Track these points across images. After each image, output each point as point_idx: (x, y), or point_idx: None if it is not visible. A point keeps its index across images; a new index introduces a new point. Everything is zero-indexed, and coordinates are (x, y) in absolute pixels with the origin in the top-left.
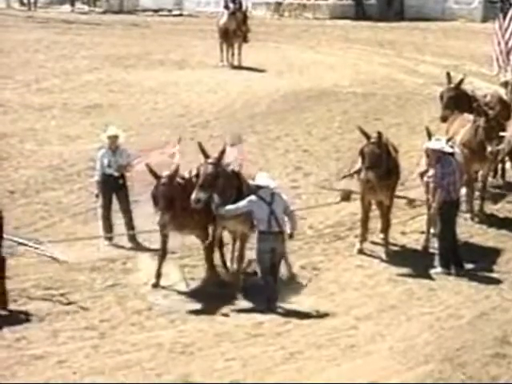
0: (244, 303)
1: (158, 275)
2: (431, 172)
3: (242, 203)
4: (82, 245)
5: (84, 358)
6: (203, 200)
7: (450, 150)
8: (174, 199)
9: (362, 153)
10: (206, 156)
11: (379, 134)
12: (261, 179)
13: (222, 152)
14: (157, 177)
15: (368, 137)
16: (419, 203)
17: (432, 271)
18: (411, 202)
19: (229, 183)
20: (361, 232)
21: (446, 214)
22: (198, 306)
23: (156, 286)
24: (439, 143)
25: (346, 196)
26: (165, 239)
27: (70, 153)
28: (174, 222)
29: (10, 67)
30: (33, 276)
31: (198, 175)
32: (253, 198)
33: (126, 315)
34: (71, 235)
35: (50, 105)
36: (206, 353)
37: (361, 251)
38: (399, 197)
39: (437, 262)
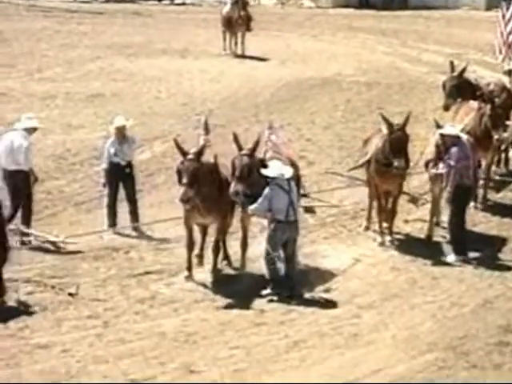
0: (249, 292)
1: (189, 267)
2: (446, 157)
3: (264, 196)
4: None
5: (88, 346)
6: (241, 192)
7: (465, 137)
8: (199, 176)
9: (390, 141)
10: (240, 148)
11: (406, 118)
12: (274, 168)
13: (257, 143)
14: (183, 153)
15: (391, 124)
16: (423, 201)
17: (448, 259)
18: (415, 200)
19: (260, 174)
20: (367, 215)
21: (458, 200)
22: (201, 294)
23: (189, 277)
24: (455, 129)
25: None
26: (190, 230)
27: (73, 142)
28: (199, 205)
29: (13, 56)
30: (37, 265)
31: (233, 168)
32: (272, 187)
33: (130, 304)
34: (74, 224)
35: (52, 94)
36: (209, 341)
37: (367, 228)
38: (404, 193)
39: (447, 249)
